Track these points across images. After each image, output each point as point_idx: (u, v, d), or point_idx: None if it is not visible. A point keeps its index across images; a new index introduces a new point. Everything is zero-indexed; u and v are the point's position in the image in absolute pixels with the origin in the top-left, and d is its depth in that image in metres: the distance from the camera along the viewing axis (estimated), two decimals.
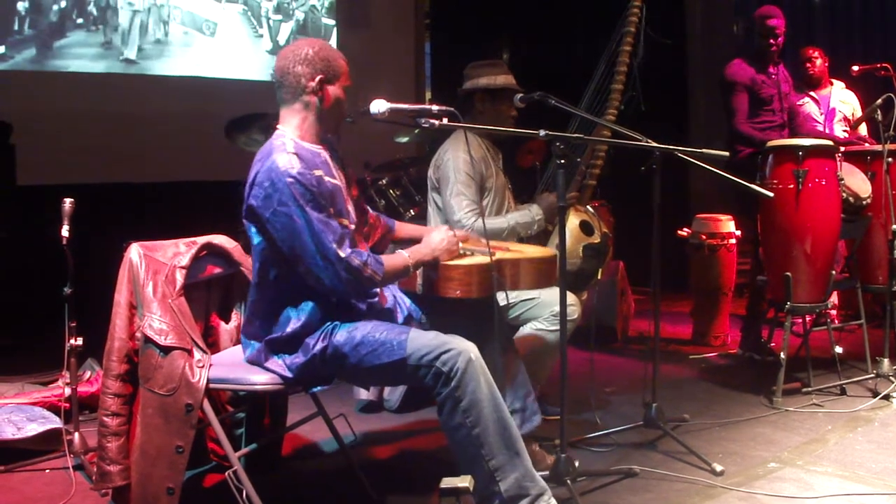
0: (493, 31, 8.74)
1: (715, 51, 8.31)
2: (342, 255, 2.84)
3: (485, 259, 3.09)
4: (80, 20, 6.80)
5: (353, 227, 3.05)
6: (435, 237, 3.15)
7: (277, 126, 3.07)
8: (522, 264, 3.23)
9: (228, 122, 5.32)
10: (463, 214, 3.97)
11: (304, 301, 2.96)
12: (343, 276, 2.85)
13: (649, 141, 3.66)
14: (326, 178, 2.95)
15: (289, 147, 2.92)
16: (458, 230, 3.45)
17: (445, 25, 8.98)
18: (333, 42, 8.13)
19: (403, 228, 3.53)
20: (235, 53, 7.63)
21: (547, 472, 3.19)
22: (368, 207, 3.44)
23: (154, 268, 3.08)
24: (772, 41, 5.39)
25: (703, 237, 5.99)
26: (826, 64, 6.37)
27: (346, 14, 8.25)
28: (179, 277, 3.11)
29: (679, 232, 6.14)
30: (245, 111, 5.35)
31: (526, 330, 3.93)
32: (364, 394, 4.40)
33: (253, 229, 2.97)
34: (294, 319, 2.96)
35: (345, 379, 3.07)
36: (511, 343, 3.57)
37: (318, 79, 2.99)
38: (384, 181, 5.91)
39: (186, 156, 6.87)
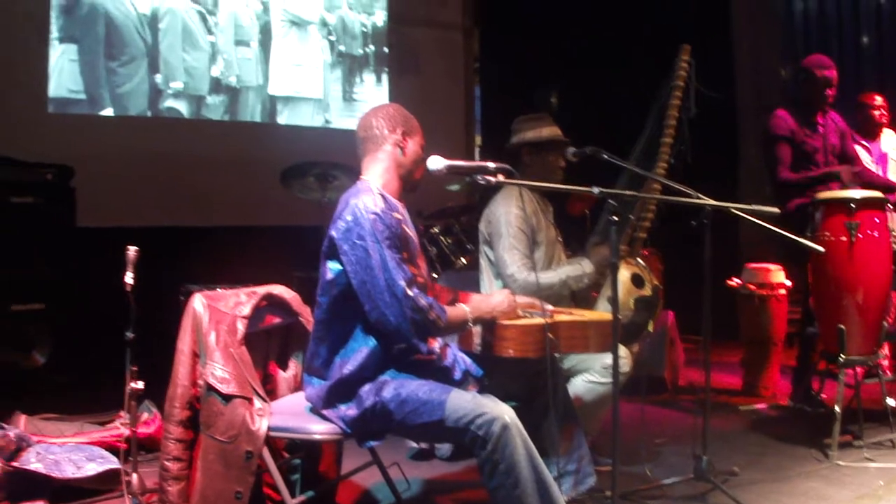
0: (543, 75, 8.80)
1: (763, 99, 8.31)
2: (410, 294, 2.93)
3: (541, 320, 3.15)
4: (142, 65, 6.98)
5: (423, 281, 3.14)
6: (496, 297, 3.24)
7: (361, 177, 3.22)
8: (579, 327, 3.28)
9: (285, 168, 5.42)
10: (516, 269, 4.03)
11: (365, 342, 3.04)
12: (409, 315, 2.93)
13: (700, 196, 3.70)
14: (404, 227, 3.09)
15: (374, 189, 3.08)
16: (514, 286, 3.51)
17: (495, 70, 9.06)
18: (385, 88, 8.26)
19: (465, 298, 3.58)
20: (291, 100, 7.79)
21: None
22: (434, 277, 3.54)
23: (216, 317, 3.17)
24: (827, 92, 5.37)
25: (753, 287, 5.99)
26: (887, 111, 6.18)
27: (396, 61, 8.38)
28: (241, 327, 3.20)
29: (729, 282, 6.14)
30: (301, 159, 5.45)
31: (577, 383, 3.97)
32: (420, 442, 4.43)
33: (327, 264, 3.07)
34: (352, 360, 3.03)
35: (394, 433, 3.13)
36: (569, 406, 3.60)
37: (399, 131, 3.18)
38: (436, 229, 5.98)
39: (242, 201, 7.01)
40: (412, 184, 3.27)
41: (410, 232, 3.18)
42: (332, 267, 3.06)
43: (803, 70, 5.50)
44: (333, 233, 3.03)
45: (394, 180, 3.20)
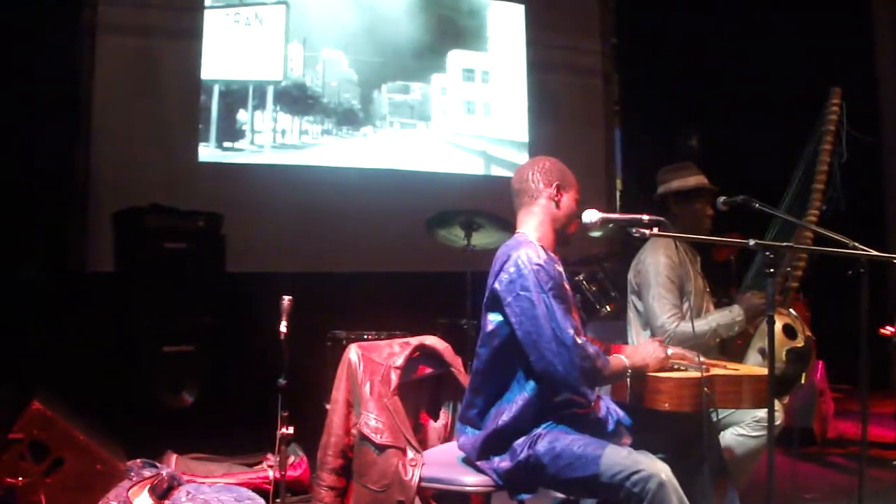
0: (684, 119, 8.71)
1: None
2: (579, 342, 2.95)
3: (697, 374, 3.11)
4: (285, 114, 7.23)
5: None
6: (647, 346, 3.23)
7: (517, 230, 3.25)
8: (733, 382, 3.21)
9: (431, 216, 5.49)
10: (666, 319, 3.98)
11: (522, 393, 3.04)
12: (577, 363, 2.93)
13: (857, 245, 3.60)
14: (565, 283, 3.11)
15: (534, 242, 3.11)
16: (663, 339, 3.48)
17: (636, 115, 9.01)
18: (525, 132, 8.31)
19: (617, 350, 3.57)
20: (429, 146, 7.94)
21: None
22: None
23: (371, 368, 3.24)
24: None
25: None
26: None
27: (536, 105, 8.43)
28: (394, 377, 3.26)
29: (882, 330, 5.92)
30: (440, 205, 5.51)
31: (727, 436, 3.88)
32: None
33: (488, 316, 3.10)
34: (508, 410, 3.03)
35: (546, 487, 3.11)
36: (722, 460, 3.54)
37: (555, 185, 3.20)
38: (581, 276, 5.96)
39: (384, 248, 7.11)
40: (566, 237, 3.28)
41: (568, 285, 3.18)
42: (494, 319, 3.08)
43: None
44: (497, 285, 3.05)
45: (549, 233, 3.21)
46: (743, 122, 8.25)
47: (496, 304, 3.06)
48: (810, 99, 4.66)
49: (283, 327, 3.74)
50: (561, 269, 3.14)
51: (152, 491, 3.89)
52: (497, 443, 3.05)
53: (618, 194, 8.86)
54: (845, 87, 4.66)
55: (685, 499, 2.87)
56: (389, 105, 7.78)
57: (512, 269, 3.01)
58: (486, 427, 3.07)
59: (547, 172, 3.23)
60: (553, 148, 7.81)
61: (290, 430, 3.81)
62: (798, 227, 4.19)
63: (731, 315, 4.08)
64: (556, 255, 3.22)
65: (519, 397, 3.04)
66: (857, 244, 3.62)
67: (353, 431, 3.19)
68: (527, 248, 3.05)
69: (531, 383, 3.03)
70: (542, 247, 3.11)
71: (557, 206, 3.20)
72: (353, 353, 3.25)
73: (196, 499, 3.97)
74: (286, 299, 3.77)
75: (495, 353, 3.09)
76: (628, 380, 3.18)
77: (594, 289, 5.92)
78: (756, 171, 5.60)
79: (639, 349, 3.23)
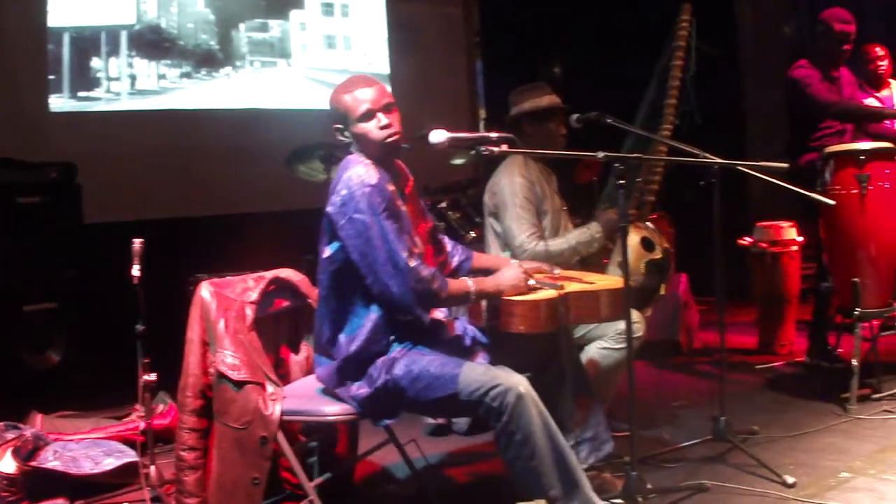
0: (544, 46, 8.75)
1: (767, 56, 8.24)
2: (412, 264, 2.92)
3: (551, 293, 3.10)
4: (140, 59, 6.99)
5: (417, 250, 3.09)
6: (505, 272, 3.16)
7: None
8: (589, 297, 3.21)
9: (290, 153, 5.40)
10: (524, 238, 3.99)
11: (368, 315, 3.02)
12: (412, 285, 2.91)
13: (707, 156, 3.66)
14: (398, 201, 3.05)
15: (365, 160, 3.04)
16: (522, 257, 3.48)
17: (496, 43, 9.01)
18: (387, 65, 8.22)
19: (480, 259, 3.56)
20: (291, 83, 7.78)
21: (618, 496, 3.21)
22: (446, 238, 3.50)
23: (224, 304, 3.16)
24: (845, 47, 5.30)
25: (765, 245, 5.95)
26: (890, 63, 6.10)
27: (396, 38, 8.33)
28: (249, 312, 3.19)
29: (740, 241, 6.10)
30: (304, 142, 5.43)
31: (591, 350, 3.95)
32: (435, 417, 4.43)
33: (325, 241, 3.05)
34: (357, 336, 3.01)
35: (408, 410, 3.11)
36: (582, 375, 3.57)
37: (334, 128, 3.13)
38: (444, 204, 5.95)
39: (248, 188, 6.98)
40: (385, 156, 3.14)
41: (403, 206, 3.11)
42: (330, 243, 3.04)
43: (821, 23, 5.41)
44: (329, 208, 2.99)
45: (370, 158, 3.10)
46: (604, 47, 8.34)
47: (331, 229, 3.01)
48: (669, 20, 4.69)
49: (135, 271, 3.65)
50: (393, 187, 3.07)
51: (16, 453, 3.76)
52: (352, 369, 3.02)
53: (481, 124, 8.86)
54: (705, 7, 4.71)
55: (545, 410, 2.90)
56: (249, 44, 7.58)
57: (344, 192, 2.96)
58: (338, 355, 3.05)
59: (330, 116, 3.15)
60: (415, 80, 7.80)
61: (153, 377, 3.74)
62: (653, 143, 4.24)
63: (590, 232, 4.11)
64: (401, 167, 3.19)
65: (367, 320, 3.01)
66: (707, 154, 3.69)
67: (211, 370, 3.11)
68: (356, 168, 2.99)
69: (374, 306, 3.01)
70: (375, 167, 3.04)
71: (357, 141, 3.11)
72: (204, 290, 3.16)
73: (63, 457, 3.86)
74: (137, 242, 3.67)
75: (334, 278, 3.05)
76: (483, 303, 3.18)
77: (457, 216, 5.94)
78: (618, 94, 5.66)
79: (496, 275, 3.16)
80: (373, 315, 3.01)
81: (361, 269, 2.95)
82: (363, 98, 3.07)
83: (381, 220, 2.92)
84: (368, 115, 3.06)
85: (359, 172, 2.97)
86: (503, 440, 2.87)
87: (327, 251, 3.05)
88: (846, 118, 5.15)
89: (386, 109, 3.08)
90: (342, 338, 3.04)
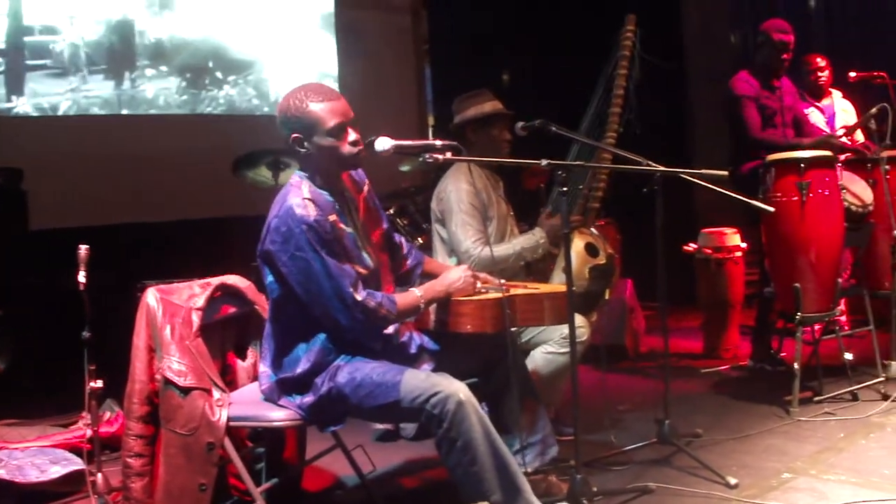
0: (492, 54, 8.79)
1: (713, 65, 8.36)
2: (359, 298, 2.93)
3: (497, 294, 3.15)
4: (86, 65, 6.91)
5: (367, 272, 3.09)
6: (452, 274, 3.21)
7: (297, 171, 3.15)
8: (534, 300, 3.27)
9: (235, 158, 5.38)
10: (470, 244, 4.03)
11: (315, 338, 3.03)
12: (359, 318, 2.94)
13: (650, 163, 3.72)
14: (341, 226, 3.03)
15: (304, 192, 2.98)
16: (468, 263, 3.52)
17: (445, 50, 9.05)
18: (335, 71, 8.20)
19: (430, 264, 3.58)
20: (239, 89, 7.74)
21: (564, 499, 3.26)
22: (403, 239, 3.52)
23: (171, 310, 3.16)
24: (784, 56, 5.42)
25: (710, 252, 6.05)
26: (830, 73, 6.29)
27: (344, 45, 8.31)
28: (196, 319, 3.19)
29: (685, 247, 6.19)
30: (251, 147, 5.41)
31: (536, 354, 3.99)
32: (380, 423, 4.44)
33: (265, 269, 3.04)
34: (304, 358, 3.03)
35: (353, 416, 3.12)
36: (527, 379, 3.60)
37: (293, 137, 3.03)
38: (391, 210, 5.96)
39: (195, 194, 6.93)
40: (340, 169, 3.13)
41: (349, 226, 3.09)
42: (269, 275, 3.05)
43: (761, 33, 5.57)
44: (270, 246, 2.96)
45: (323, 172, 3.09)
46: (552, 55, 8.41)
47: (273, 264, 2.99)
48: (615, 28, 4.74)
49: (81, 277, 3.62)
50: (337, 213, 3.04)
51: None
52: (299, 384, 3.05)
53: (430, 131, 8.89)
54: (652, 18, 4.78)
55: (486, 418, 2.93)
56: None
57: (283, 229, 2.92)
58: (283, 373, 3.07)
59: (285, 124, 3.04)
60: (363, 86, 7.79)
61: (99, 383, 3.71)
62: (598, 150, 4.29)
63: (535, 237, 4.17)
64: (339, 189, 3.16)
65: (314, 344, 3.03)
66: (650, 162, 3.75)
67: (157, 377, 3.11)
68: (296, 203, 2.93)
69: (321, 334, 3.03)
70: (313, 199, 2.97)
71: (316, 152, 3.04)
72: (150, 296, 3.16)
73: (8, 465, 3.83)
74: (83, 248, 3.63)
75: (281, 305, 3.07)
76: (433, 306, 3.22)
77: (405, 223, 5.96)
78: (567, 102, 5.72)
79: (444, 278, 3.20)
80: (320, 337, 3.03)
81: (310, 304, 2.96)
82: (336, 111, 3.01)
83: (322, 257, 2.90)
84: (340, 130, 3.01)
85: (297, 210, 2.91)
86: (444, 446, 2.89)
87: (268, 279, 3.06)
88: (767, 149, 5.26)
89: (353, 124, 3.06)
90: (286, 361, 3.07)
